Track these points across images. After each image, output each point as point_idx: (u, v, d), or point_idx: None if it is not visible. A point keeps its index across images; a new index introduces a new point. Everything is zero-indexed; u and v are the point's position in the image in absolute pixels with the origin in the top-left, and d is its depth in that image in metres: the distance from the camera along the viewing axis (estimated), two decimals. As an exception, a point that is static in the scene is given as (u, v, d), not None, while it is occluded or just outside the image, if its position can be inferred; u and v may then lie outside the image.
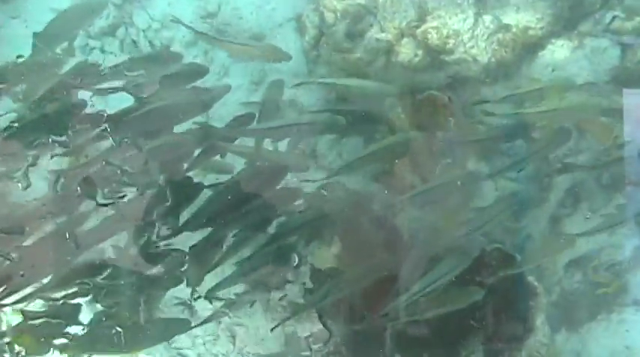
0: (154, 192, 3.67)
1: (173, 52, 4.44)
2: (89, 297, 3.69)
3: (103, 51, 4.67)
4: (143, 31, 4.82)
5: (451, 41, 4.20)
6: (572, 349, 4.40)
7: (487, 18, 4.26)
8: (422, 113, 4.46)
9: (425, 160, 4.34)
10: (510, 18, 4.27)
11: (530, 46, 4.43)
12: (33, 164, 3.70)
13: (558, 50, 4.51)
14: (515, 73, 4.53)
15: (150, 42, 4.76)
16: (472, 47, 4.24)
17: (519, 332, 3.81)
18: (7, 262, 3.54)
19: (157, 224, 3.64)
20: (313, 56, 4.57)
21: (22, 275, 3.52)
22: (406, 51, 4.20)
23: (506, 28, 4.28)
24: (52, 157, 3.71)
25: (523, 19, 4.27)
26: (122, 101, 3.74)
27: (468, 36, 4.20)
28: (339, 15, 4.26)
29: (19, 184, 3.62)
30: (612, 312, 4.41)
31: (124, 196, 3.78)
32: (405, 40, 4.20)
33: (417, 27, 4.19)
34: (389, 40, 4.20)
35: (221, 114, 4.37)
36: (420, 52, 4.21)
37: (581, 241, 4.23)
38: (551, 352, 3.91)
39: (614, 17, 4.48)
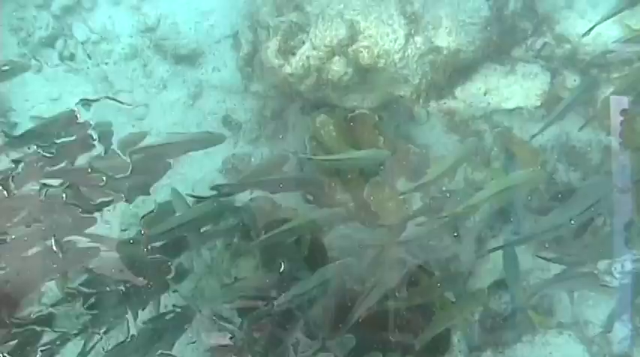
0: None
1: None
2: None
3: (37, 60, 4.67)
4: (82, 43, 4.83)
5: (382, 61, 4.24)
6: (497, 370, 4.40)
7: (418, 39, 4.32)
8: (353, 131, 4.49)
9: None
10: (442, 40, 4.33)
11: (462, 69, 4.49)
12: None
13: (491, 74, 4.58)
14: (449, 94, 4.58)
15: (88, 55, 4.77)
16: (403, 68, 4.29)
17: (434, 349, 3.80)
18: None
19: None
20: (248, 72, 4.60)
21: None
22: (337, 69, 4.24)
23: (438, 50, 4.34)
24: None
25: (454, 42, 4.32)
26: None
27: (399, 56, 4.25)
28: (271, 32, 4.29)
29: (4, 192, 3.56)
30: (537, 334, 4.42)
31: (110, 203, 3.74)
32: (336, 58, 4.23)
33: (349, 45, 4.22)
34: (320, 58, 4.21)
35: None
36: (349, 71, 4.24)
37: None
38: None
39: (544, 44, 4.56)
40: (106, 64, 4.71)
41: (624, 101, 4.05)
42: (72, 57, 4.70)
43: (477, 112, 4.61)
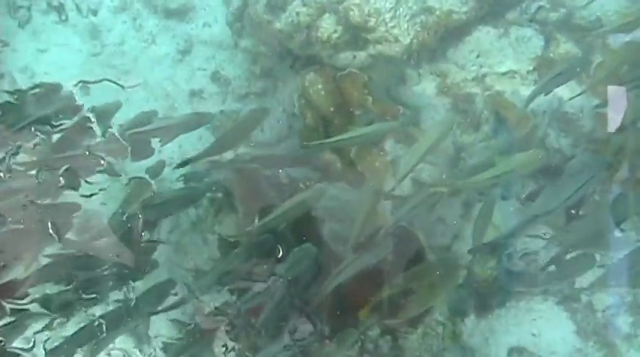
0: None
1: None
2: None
3: (29, 10, 4.61)
4: (71, -6, 4.77)
5: (372, 20, 4.18)
6: (482, 335, 4.39)
7: (410, 1, 4.22)
8: (341, 91, 4.44)
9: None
10: (434, 1, 4.25)
11: (454, 31, 4.42)
12: (15, 153, 3.62)
13: (484, 37, 4.51)
14: (441, 56, 4.51)
15: (77, 5, 4.71)
16: (394, 27, 4.23)
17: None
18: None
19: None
20: (238, 28, 4.53)
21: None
22: (326, 26, 4.17)
23: (430, 10, 4.27)
24: (34, 146, 3.64)
25: (447, 2, 4.26)
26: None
27: (389, 15, 4.19)
28: (259, -13, 4.23)
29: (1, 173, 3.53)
30: (521, 300, 4.40)
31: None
32: (326, 15, 4.16)
33: (339, 3, 4.14)
34: (310, 14, 4.15)
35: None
36: (339, 29, 4.17)
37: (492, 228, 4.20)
38: (449, 332, 3.90)
39: (539, 7, 4.47)
40: (95, 16, 4.62)
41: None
42: (61, 7, 4.61)
43: (468, 75, 4.52)
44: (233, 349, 3.64)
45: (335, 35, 4.20)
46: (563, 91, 4.48)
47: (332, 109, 4.39)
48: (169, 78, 4.58)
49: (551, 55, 4.51)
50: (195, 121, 3.96)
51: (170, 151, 4.30)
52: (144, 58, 4.62)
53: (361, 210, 4.04)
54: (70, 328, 3.53)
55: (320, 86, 4.38)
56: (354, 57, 4.40)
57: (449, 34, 4.41)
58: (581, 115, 4.48)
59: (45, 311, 3.64)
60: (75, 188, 3.71)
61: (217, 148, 3.82)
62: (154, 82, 4.51)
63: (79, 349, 3.47)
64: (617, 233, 3.96)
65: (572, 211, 3.97)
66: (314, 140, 4.35)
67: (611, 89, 4.03)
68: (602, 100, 4.42)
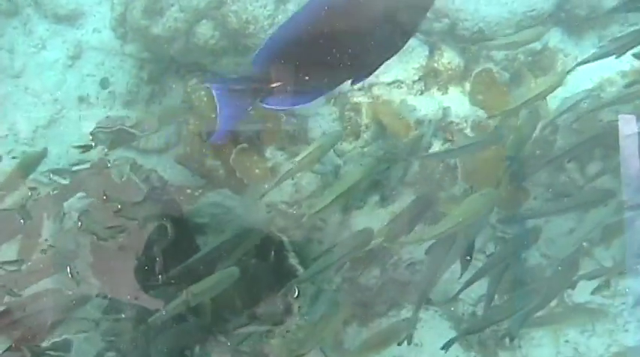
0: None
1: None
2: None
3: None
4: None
5: (251, 26, 4.20)
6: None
7: (290, 7, 4.25)
8: (224, 97, 4.44)
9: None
10: (315, 7, 4.26)
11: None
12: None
13: (369, 47, 4.52)
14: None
15: (-34, 9, 4.72)
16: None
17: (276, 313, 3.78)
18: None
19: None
20: (122, 33, 4.55)
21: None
22: (203, 32, 4.19)
23: (309, 17, 4.27)
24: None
25: (327, 9, 4.26)
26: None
27: (268, 22, 4.21)
28: (139, -6, 4.25)
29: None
30: (403, 308, 4.40)
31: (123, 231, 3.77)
32: (204, 21, 4.18)
33: (217, 9, 4.17)
34: (187, 20, 4.17)
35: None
36: (217, 34, 4.20)
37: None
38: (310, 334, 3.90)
39: (421, 17, 4.51)
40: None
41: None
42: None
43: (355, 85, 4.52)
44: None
45: (212, 41, 4.21)
46: (450, 101, 4.50)
47: (213, 115, 4.38)
48: (59, 84, 4.57)
49: (435, 64, 4.54)
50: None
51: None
52: (33, 63, 4.61)
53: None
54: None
55: (202, 92, 4.39)
56: (236, 64, 4.39)
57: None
58: (465, 124, 4.50)
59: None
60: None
61: None
62: (43, 88, 4.50)
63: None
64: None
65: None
66: (196, 147, 4.35)
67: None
68: (484, 109, 4.45)
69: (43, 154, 4.10)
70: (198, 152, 4.45)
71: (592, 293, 4.32)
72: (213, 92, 2.30)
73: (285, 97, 2.31)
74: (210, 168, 4.43)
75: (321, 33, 2.18)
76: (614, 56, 3.85)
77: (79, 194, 3.93)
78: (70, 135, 4.65)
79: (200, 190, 4.45)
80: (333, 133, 4.27)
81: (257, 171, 4.37)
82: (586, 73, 4.38)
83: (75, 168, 4.05)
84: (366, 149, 4.34)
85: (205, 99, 4.44)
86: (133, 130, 4.42)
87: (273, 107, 2.47)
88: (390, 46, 2.31)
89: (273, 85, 2.21)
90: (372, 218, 4.28)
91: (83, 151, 3.99)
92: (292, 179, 4.28)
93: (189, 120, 4.44)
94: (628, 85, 4.13)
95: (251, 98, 2.33)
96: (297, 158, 3.86)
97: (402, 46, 2.38)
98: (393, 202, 4.42)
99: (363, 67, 2.34)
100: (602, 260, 4.35)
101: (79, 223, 3.71)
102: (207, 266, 3.71)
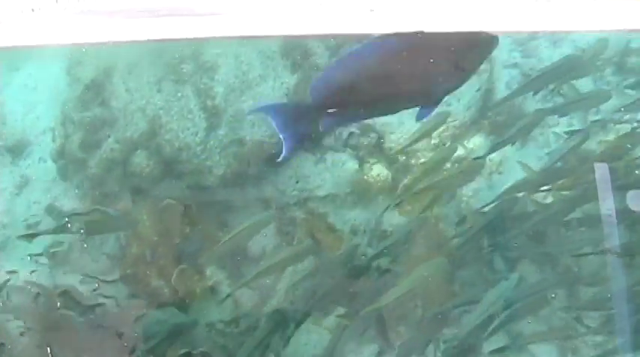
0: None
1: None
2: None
3: None
4: None
5: (184, 153, 4.41)
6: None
7: (221, 132, 4.49)
8: (162, 221, 4.64)
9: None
10: (245, 132, 4.51)
11: (269, 159, 4.66)
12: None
13: (302, 163, 4.76)
14: (264, 183, 4.75)
15: None
16: (206, 159, 4.46)
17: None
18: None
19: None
20: (62, 164, 4.76)
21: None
22: (139, 161, 4.40)
23: (241, 141, 4.52)
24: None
25: (257, 133, 4.51)
26: None
27: (200, 148, 4.42)
28: (76, 126, 4.48)
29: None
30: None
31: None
32: (139, 151, 4.40)
33: (151, 139, 4.39)
34: (122, 151, 4.39)
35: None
36: (151, 163, 4.41)
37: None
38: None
39: (350, 133, 4.77)
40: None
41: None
42: None
43: (290, 200, 4.74)
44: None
45: (147, 170, 4.42)
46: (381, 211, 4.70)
47: (155, 238, 4.57)
48: (6, 212, 4.74)
49: (365, 177, 4.75)
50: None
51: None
52: (-18, 193, 4.80)
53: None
54: None
55: (145, 217, 4.57)
56: (173, 188, 4.59)
57: (263, 162, 4.63)
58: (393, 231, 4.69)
59: None
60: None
61: None
62: (-11, 218, 4.67)
63: None
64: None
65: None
66: (140, 268, 4.52)
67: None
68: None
69: None
70: (142, 273, 4.60)
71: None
72: (271, 119, 2.55)
73: (340, 120, 2.56)
74: (155, 287, 4.57)
75: (373, 68, 2.40)
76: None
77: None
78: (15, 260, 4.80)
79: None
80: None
81: (198, 291, 4.51)
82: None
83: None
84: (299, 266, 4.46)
85: (147, 223, 4.62)
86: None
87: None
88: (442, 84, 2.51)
89: (329, 110, 2.41)
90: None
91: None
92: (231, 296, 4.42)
93: (133, 243, 4.57)
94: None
95: (308, 122, 2.48)
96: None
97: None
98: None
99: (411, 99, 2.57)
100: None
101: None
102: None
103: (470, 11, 1.71)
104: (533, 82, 4.47)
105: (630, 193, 4.02)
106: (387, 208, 4.51)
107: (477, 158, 4.48)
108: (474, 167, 4.52)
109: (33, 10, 1.63)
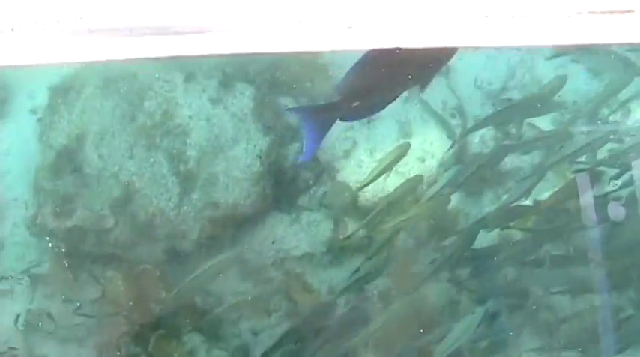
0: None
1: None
2: None
3: None
4: None
5: (157, 218, 4.41)
6: None
7: (194, 197, 4.50)
8: (139, 286, 4.63)
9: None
10: (219, 195, 4.52)
11: (244, 222, 4.67)
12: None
13: (277, 223, 4.78)
14: (239, 245, 4.76)
15: None
16: (180, 224, 4.46)
17: None
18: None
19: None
20: (36, 230, 4.76)
21: None
22: (111, 227, 4.40)
23: (215, 205, 4.53)
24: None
25: (231, 196, 4.52)
26: None
27: (174, 213, 4.43)
28: (47, 195, 4.48)
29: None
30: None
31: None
32: (112, 218, 4.40)
33: (124, 206, 4.39)
34: (95, 218, 4.39)
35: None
36: (126, 230, 4.41)
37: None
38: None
39: (324, 193, 4.79)
40: None
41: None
42: None
43: (267, 261, 4.75)
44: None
45: (122, 237, 4.42)
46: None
47: (131, 303, 4.55)
48: (-19, 278, 4.73)
49: (341, 236, 4.76)
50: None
51: None
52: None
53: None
54: None
55: (119, 282, 4.56)
56: (148, 254, 4.59)
57: (237, 225, 4.64)
58: (375, 292, 4.69)
59: None
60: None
61: None
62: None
63: None
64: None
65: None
66: (117, 333, 4.50)
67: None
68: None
69: None
70: (118, 340, 4.57)
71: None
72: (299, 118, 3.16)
73: (361, 113, 2.99)
74: (131, 354, 4.54)
75: (382, 66, 2.74)
76: None
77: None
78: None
79: (122, 377, 4.52)
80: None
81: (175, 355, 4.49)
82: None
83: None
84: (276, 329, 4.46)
85: (122, 288, 4.60)
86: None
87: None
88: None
89: (354, 104, 2.82)
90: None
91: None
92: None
93: (109, 309, 4.56)
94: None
95: (332, 118, 2.90)
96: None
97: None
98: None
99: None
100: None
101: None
102: None
103: (447, 28, 1.75)
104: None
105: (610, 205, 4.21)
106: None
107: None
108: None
109: (13, 30, 1.65)
